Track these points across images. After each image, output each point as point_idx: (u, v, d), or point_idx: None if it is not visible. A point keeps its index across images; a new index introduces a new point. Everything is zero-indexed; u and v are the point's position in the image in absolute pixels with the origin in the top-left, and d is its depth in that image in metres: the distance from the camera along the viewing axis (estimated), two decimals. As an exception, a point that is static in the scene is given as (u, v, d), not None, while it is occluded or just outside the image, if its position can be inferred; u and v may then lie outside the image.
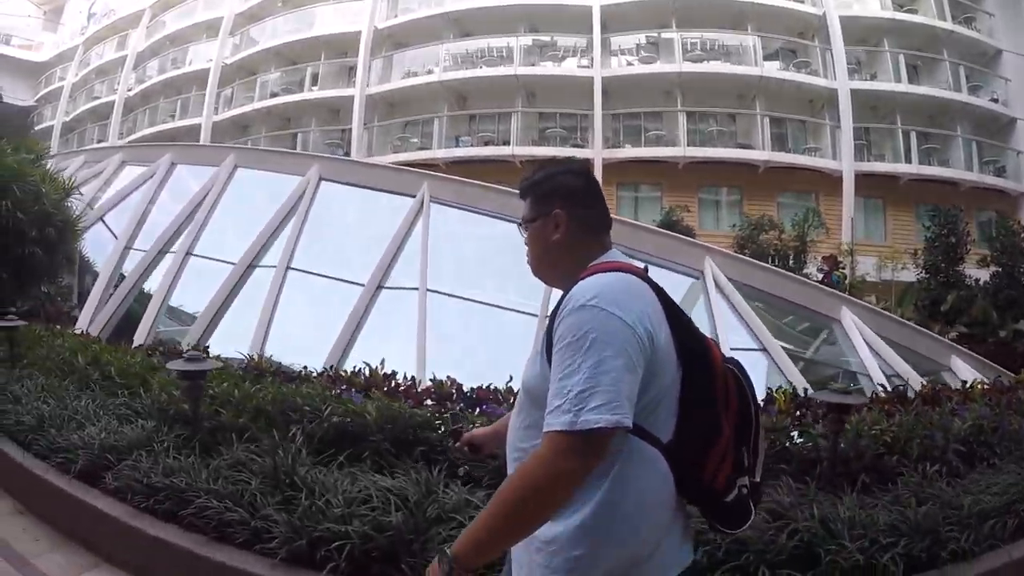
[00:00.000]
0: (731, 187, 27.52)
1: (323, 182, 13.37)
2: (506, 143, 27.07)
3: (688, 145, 25.94)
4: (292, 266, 11.89)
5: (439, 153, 26.65)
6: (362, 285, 11.28)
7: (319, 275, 12.08)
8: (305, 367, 7.00)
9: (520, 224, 2.01)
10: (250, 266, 12.17)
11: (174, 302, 12.81)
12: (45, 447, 5.38)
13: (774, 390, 5.98)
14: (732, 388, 1.82)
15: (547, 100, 28.44)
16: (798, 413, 5.46)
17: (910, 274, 20.87)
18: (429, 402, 5.78)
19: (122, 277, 13.43)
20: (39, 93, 44.37)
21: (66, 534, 4.85)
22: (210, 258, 12.74)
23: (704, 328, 9.80)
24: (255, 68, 33.11)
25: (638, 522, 1.65)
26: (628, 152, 26.73)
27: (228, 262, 12.21)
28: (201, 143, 28.01)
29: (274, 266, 11.91)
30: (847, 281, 19.94)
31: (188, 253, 12.74)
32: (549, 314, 1.82)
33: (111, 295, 12.92)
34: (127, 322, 12.42)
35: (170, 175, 15.32)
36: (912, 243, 23.22)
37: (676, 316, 1.75)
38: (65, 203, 12.01)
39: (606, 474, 1.60)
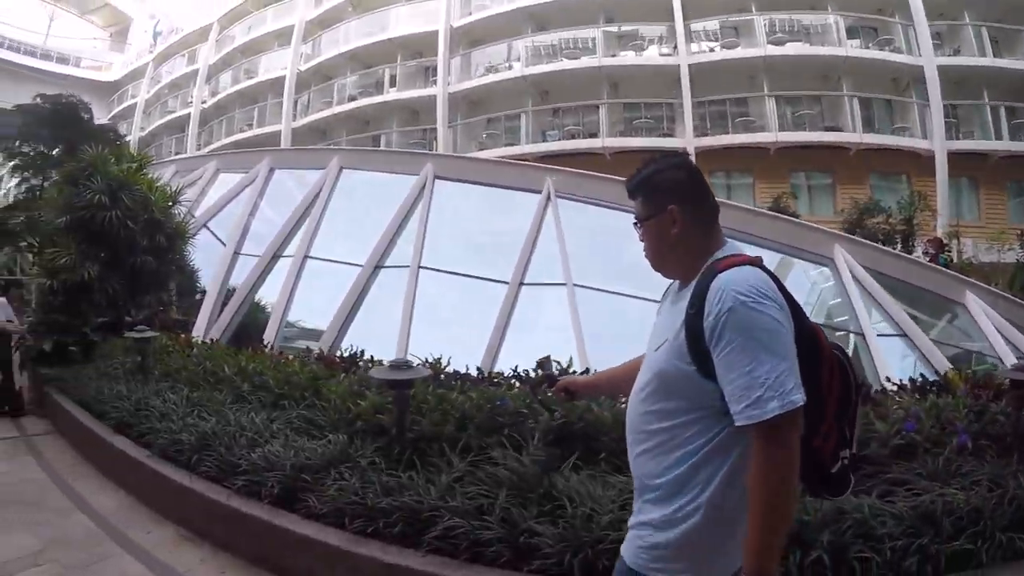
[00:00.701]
0: (822, 171, 26.21)
1: (437, 180, 12.75)
2: (592, 135, 26.01)
3: (778, 130, 24.92)
4: (423, 265, 11.27)
5: (528, 148, 25.72)
6: (504, 283, 10.65)
7: (453, 273, 11.49)
8: (479, 369, 6.68)
9: (635, 223, 2.06)
10: (377, 267, 11.60)
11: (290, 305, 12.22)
12: (215, 468, 5.07)
13: (945, 373, 6.36)
14: (836, 373, 1.89)
15: (629, 90, 27.29)
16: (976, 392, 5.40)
17: (1012, 254, 19.97)
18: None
19: (229, 285, 13.06)
20: (113, 111, 44.90)
21: (256, 562, 4.56)
22: (329, 260, 12.17)
23: (842, 315, 11.41)
24: (330, 73, 32.70)
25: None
26: (720, 140, 25.36)
27: (352, 263, 11.65)
28: (297, 147, 27.57)
29: (404, 266, 11.35)
30: (955, 263, 18.69)
31: (306, 256, 12.12)
32: (687, 305, 1.83)
33: (224, 302, 12.51)
34: (243, 329, 12.02)
35: (270, 180, 14.83)
36: (1005, 222, 22.65)
37: (793, 304, 1.81)
38: (172, 211, 11.70)
39: (723, 464, 1.78)
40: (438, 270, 11.38)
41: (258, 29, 37.27)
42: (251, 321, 12.06)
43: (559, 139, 26.53)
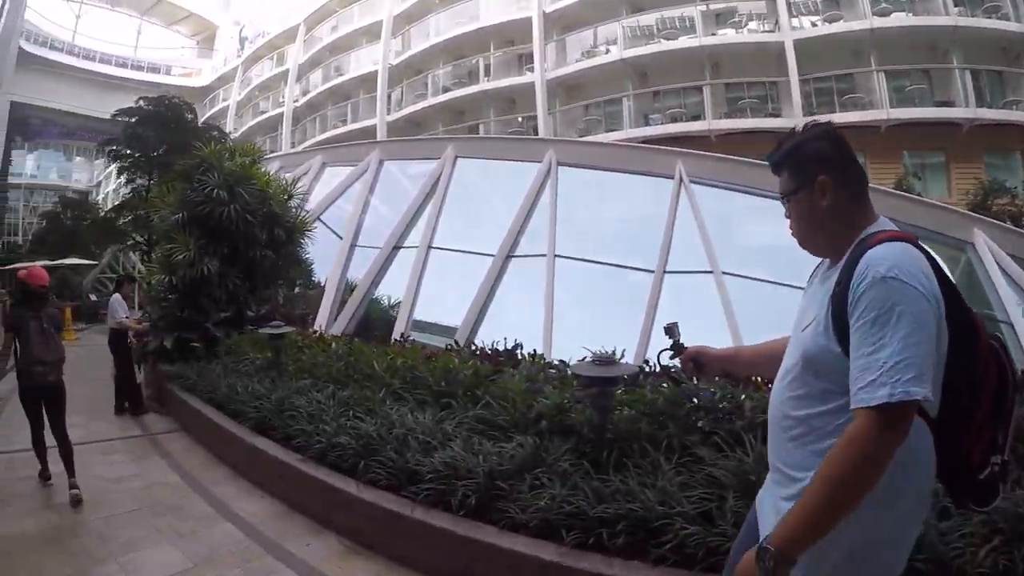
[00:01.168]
0: (934, 150, 24.43)
1: (560, 167, 12.12)
2: (695, 118, 24.92)
3: (886, 106, 23.36)
4: (559, 254, 10.60)
5: (632, 132, 24.67)
6: (648, 271, 10.04)
7: (591, 261, 10.84)
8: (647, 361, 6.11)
9: (782, 199, 1.95)
10: (508, 256, 10.97)
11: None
12: (386, 475, 4.64)
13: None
14: (993, 365, 1.75)
15: (730, 70, 25.91)
16: None
17: None
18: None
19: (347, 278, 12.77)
20: (205, 114, 45.58)
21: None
22: (454, 250, 11.70)
23: (983, 304, 10.03)
24: (421, 66, 32.39)
25: (912, 503, 1.69)
26: (830, 119, 23.84)
27: (479, 253, 11.20)
28: (407, 138, 26.88)
29: (535, 255, 10.78)
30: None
31: (430, 247, 11.57)
32: (834, 283, 1.72)
33: (345, 295, 12.18)
34: (366, 322, 11.77)
35: (380, 171, 14.41)
36: None
37: (950, 288, 1.68)
38: (289, 204, 11.40)
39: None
40: (574, 258, 10.73)
41: (345, 27, 37.47)
42: (373, 315, 11.57)
43: (661, 123, 25.47)
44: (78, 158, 63.13)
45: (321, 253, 12.43)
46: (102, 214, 37.78)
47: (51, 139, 57.02)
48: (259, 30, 47.60)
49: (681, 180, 11.19)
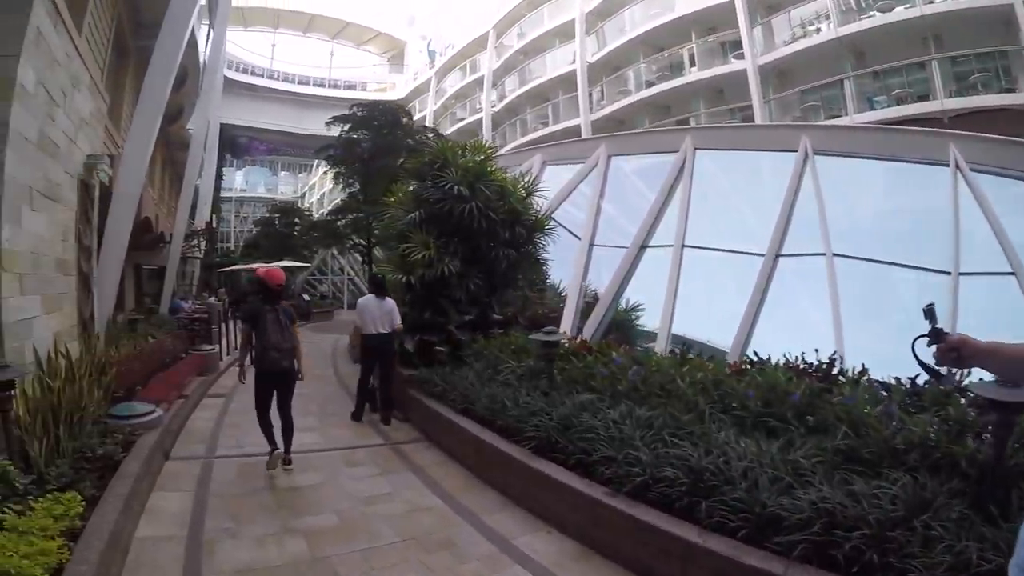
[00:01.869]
0: None
1: (816, 156, 10.96)
2: (920, 98, 22.23)
3: None
4: (839, 253, 9.53)
5: (857, 117, 22.50)
6: (943, 273, 8.79)
7: (876, 261, 9.63)
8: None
9: None
10: (777, 255, 9.96)
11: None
12: (736, 519, 3.87)
13: None
14: None
15: (952, 42, 23.09)
16: None
17: None
18: None
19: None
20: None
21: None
22: (711, 249, 10.81)
23: None
24: (619, 62, 31.29)
25: None
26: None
27: (745, 252, 10.29)
28: (634, 131, 26.05)
29: (812, 254, 9.69)
30: None
31: (684, 246, 10.70)
32: None
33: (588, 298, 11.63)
34: (613, 326, 11.14)
35: (609, 167, 13.71)
36: None
37: None
38: (528, 201, 10.91)
39: None
40: (854, 257, 9.62)
41: (535, 30, 37.19)
42: (619, 319, 10.81)
43: (887, 105, 23.22)
44: (283, 172, 70.08)
45: (553, 253, 11.87)
46: (315, 217, 39.94)
47: (257, 155, 62.17)
48: (447, 42, 49.03)
49: (958, 167, 9.77)
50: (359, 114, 20.94)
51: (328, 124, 22.06)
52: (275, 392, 7.10)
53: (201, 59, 23.93)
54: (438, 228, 9.92)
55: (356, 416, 9.26)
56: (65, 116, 8.41)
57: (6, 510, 3.90)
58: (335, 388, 12.31)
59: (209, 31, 24.24)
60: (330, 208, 38.14)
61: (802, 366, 5.88)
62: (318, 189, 69.31)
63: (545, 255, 11.31)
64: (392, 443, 8.12)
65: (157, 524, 5.12)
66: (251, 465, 6.98)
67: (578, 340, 8.71)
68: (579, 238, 11.94)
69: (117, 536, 4.32)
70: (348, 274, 48.19)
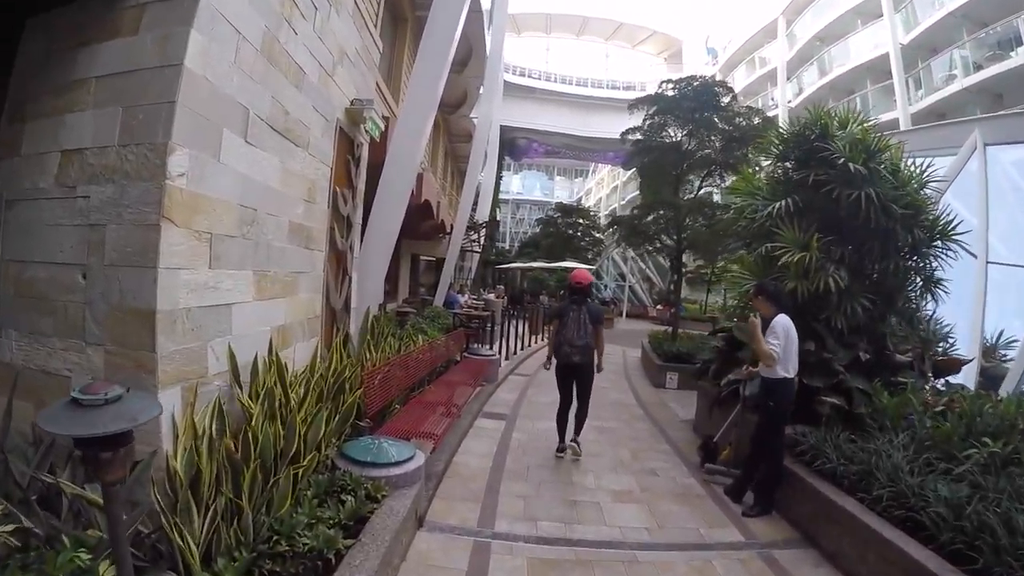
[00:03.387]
0: None
1: None
2: None
3: None
4: None
5: None
6: None
7: None
8: None
9: None
10: None
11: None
12: None
13: None
14: None
15: None
16: None
17: None
18: None
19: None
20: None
21: None
22: None
23: None
24: (935, 43, 26.08)
25: None
26: None
27: None
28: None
29: None
30: None
31: None
32: None
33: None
34: None
35: (986, 160, 10.85)
36: None
37: None
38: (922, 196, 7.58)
39: None
40: None
41: (831, 11, 32.79)
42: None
43: None
44: (559, 177, 71.00)
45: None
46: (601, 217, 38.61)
47: (536, 157, 62.29)
48: (727, 39, 46.85)
49: None
50: (669, 92, 18.28)
51: (631, 108, 19.55)
52: (574, 386, 7.61)
53: (486, 39, 22.86)
54: (816, 223, 7.35)
55: (735, 494, 6.65)
56: (314, 33, 6.22)
57: None
58: (646, 425, 10.10)
59: (488, 23, 22.93)
60: (629, 204, 36.41)
61: None
62: (595, 193, 69.40)
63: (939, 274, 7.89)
64: (758, 543, 5.59)
65: None
66: (547, 564, 4.86)
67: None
68: (971, 252, 8.34)
69: None
70: (628, 281, 46.79)
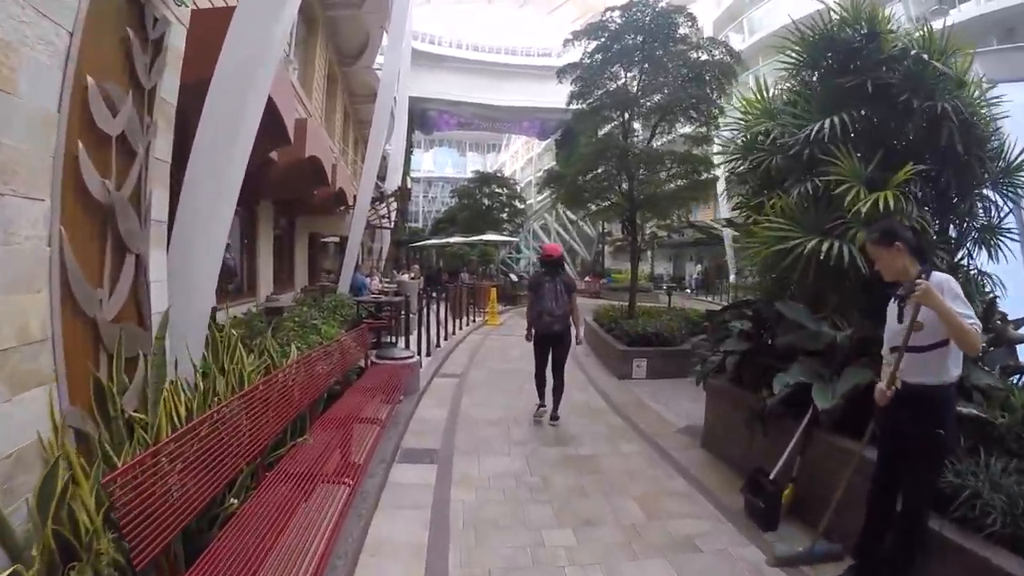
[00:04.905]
0: None
1: None
2: None
3: None
4: None
5: None
6: None
7: None
8: None
9: None
10: None
11: None
12: None
13: None
14: None
15: None
16: None
17: None
18: None
19: None
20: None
21: None
22: None
23: None
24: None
25: None
26: None
27: None
28: None
29: None
30: None
31: None
32: None
33: None
34: None
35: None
36: None
37: None
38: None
39: None
40: None
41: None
42: None
43: None
44: (471, 153, 69.07)
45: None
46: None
47: (447, 130, 58.79)
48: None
49: None
50: (615, 25, 15.00)
51: (566, 43, 16.42)
52: (550, 353, 7.90)
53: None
54: (875, 150, 5.04)
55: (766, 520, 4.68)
56: None
57: None
58: (636, 446, 7.11)
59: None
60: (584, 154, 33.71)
61: None
62: (509, 166, 67.55)
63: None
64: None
65: None
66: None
67: None
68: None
69: None
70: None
